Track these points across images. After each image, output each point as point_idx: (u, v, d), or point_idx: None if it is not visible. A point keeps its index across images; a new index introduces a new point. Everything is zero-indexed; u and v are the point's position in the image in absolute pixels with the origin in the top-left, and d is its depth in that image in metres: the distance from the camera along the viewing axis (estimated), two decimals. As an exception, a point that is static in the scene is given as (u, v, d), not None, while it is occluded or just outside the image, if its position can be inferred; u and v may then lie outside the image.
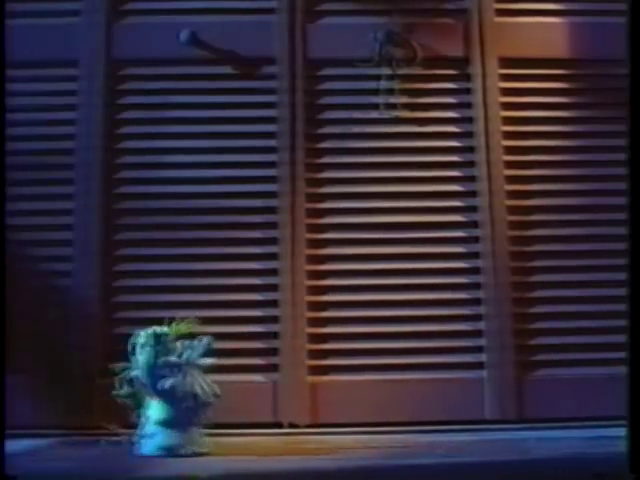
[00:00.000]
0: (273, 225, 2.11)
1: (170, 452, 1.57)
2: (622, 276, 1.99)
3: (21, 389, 1.81)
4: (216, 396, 1.62)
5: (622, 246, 1.99)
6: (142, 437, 1.60)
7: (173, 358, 1.60)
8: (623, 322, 1.94)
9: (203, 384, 1.61)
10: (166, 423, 1.59)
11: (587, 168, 2.18)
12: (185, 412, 1.60)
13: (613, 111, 2.18)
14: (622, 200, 2.01)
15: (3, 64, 2.04)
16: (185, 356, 1.61)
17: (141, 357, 1.60)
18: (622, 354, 1.93)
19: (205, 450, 1.59)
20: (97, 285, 2.06)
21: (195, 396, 1.58)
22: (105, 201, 2.10)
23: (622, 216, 2.02)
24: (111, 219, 2.10)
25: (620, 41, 2.10)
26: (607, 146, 2.16)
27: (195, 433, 1.61)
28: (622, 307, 1.97)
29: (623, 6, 2.15)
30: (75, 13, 2.19)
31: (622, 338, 1.94)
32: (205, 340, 1.62)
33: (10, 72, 2.07)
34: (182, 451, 1.57)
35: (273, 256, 2.10)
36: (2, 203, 1.81)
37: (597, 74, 2.22)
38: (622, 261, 2.00)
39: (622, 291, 1.98)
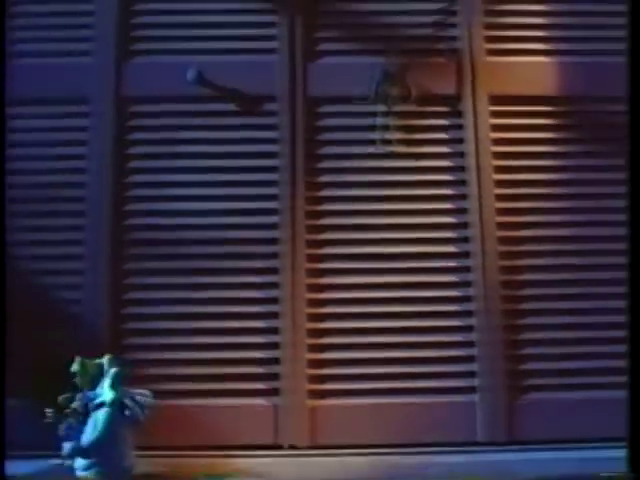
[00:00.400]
0: (274, 255, 2.20)
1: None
2: (612, 304, 2.11)
3: (25, 411, 1.90)
4: (146, 409, 1.76)
5: (612, 275, 2.13)
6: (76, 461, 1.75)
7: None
8: (613, 348, 2.07)
9: (130, 402, 1.74)
10: (96, 448, 1.72)
11: (576, 200, 2.27)
12: (115, 435, 1.74)
13: (599, 146, 2.31)
14: (611, 230, 2.15)
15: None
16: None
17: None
18: (612, 378, 2.05)
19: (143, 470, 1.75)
20: (106, 312, 2.15)
21: (124, 416, 1.74)
22: (114, 232, 2.19)
23: (612, 246, 2.16)
24: (120, 249, 2.19)
25: (605, 79, 2.25)
26: (594, 179, 2.27)
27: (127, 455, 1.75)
28: (612, 333, 2.09)
29: (607, 46, 2.30)
30: (86, 53, 2.29)
31: (612, 363, 2.07)
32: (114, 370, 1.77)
33: (23, 109, 2.23)
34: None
35: (274, 285, 2.18)
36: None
37: (583, 110, 2.32)
38: (611, 289, 2.13)
39: (612, 318, 2.10)
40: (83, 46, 2.30)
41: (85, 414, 1.75)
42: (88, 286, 2.17)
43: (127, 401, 1.74)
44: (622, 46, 2.15)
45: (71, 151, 2.25)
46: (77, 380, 1.80)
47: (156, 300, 2.18)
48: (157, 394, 1.85)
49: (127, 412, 1.74)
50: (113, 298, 2.16)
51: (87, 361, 1.81)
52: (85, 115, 2.26)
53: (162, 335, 2.14)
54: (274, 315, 2.17)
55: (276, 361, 2.14)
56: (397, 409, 2.11)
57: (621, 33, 2.21)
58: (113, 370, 1.78)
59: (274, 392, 2.13)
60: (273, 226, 2.22)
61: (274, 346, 2.15)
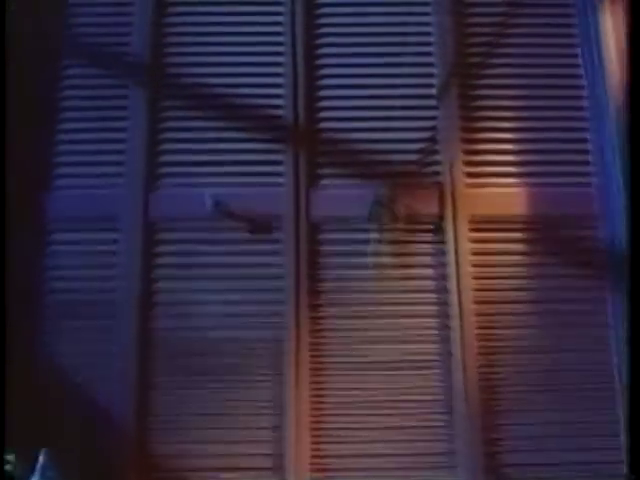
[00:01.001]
0: (280, 354, 2.52)
1: None
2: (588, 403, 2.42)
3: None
4: None
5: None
6: None
7: None
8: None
9: None
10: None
11: (551, 316, 2.55)
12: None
13: (563, 257, 2.63)
14: (583, 343, 2.46)
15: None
16: None
17: None
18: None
19: None
20: (133, 414, 2.45)
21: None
22: (141, 343, 2.51)
23: (586, 354, 2.46)
24: (146, 360, 2.51)
25: (567, 201, 2.58)
26: (563, 287, 2.57)
27: None
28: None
29: (574, 170, 2.64)
30: (119, 184, 2.63)
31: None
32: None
33: (66, 227, 2.57)
34: None
35: (280, 386, 2.49)
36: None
37: (554, 230, 2.62)
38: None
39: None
40: (117, 179, 2.64)
41: None
42: (118, 388, 2.46)
43: None
44: (584, 175, 2.54)
45: (104, 262, 2.56)
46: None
47: (178, 395, 2.48)
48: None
49: None
50: (140, 403, 2.47)
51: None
52: (116, 236, 2.58)
53: (183, 430, 2.47)
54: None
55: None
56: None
57: (586, 158, 2.59)
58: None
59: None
60: (280, 342, 2.52)
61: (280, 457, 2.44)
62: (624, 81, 2.65)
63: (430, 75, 2.74)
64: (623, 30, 2.70)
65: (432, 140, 2.69)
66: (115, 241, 2.59)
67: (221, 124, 2.71)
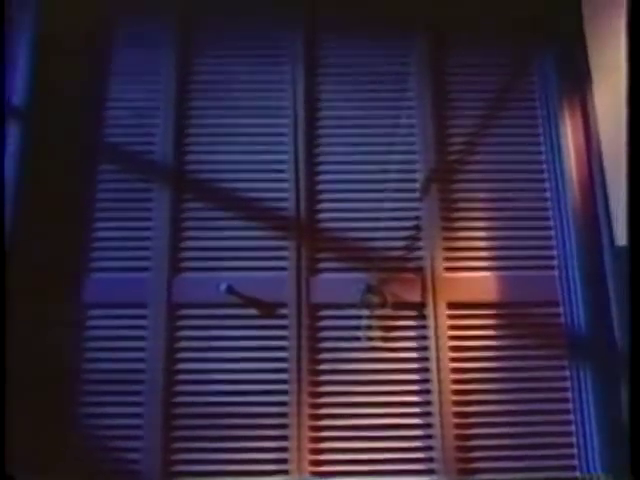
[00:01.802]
0: (284, 427, 2.90)
1: None
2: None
3: None
4: None
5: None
6: None
7: None
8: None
9: None
10: None
11: (517, 384, 2.90)
12: None
13: (530, 339, 3.02)
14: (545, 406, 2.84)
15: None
16: None
17: None
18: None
19: None
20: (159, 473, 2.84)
21: None
22: (166, 409, 2.88)
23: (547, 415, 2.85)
24: (170, 422, 2.89)
25: (534, 288, 2.98)
26: (529, 367, 2.93)
27: None
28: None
29: (537, 263, 3.05)
30: (146, 269, 3.02)
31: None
32: None
33: (97, 311, 2.99)
34: None
35: (284, 449, 2.87)
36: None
37: (522, 314, 2.97)
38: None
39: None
40: (144, 263, 3.04)
41: None
42: (145, 449, 2.87)
43: None
44: (547, 269, 2.94)
45: (133, 345, 2.94)
46: None
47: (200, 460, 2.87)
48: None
49: None
50: (165, 464, 2.85)
51: None
52: (144, 316, 2.96)
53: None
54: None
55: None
56: None
57: (548, 253, 3.00)
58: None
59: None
60: (283, 413, 2.89)
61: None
62: (581, 181, 3.08)
63: (414, 180, 3.15)
64: (581, 138, 3.13)
65: (416, 231, 3.08)
66: (143, 323, 2.98)
67: (234, 218, 3.11)
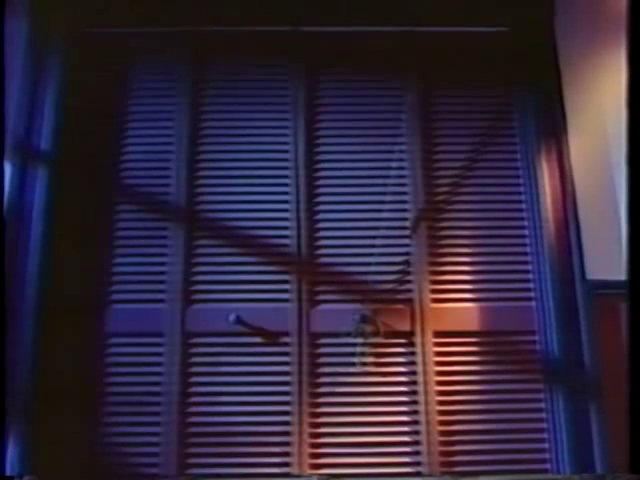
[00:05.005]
0: (287, 444, 3.24)
1: None
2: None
3: None
4: None
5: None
6: None
7: None
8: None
9: None
10: None
11: (497, 405, 3.20)
12: None
13: (516, 366, 3.30)
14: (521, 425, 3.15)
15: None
16: None
17: None
18: None
19: None
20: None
21: None
22: (181, 428, 3.19)
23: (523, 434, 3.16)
24: (185, 439, 3.20)
25: (514, 318, 3.29)
26: (515, 398, 3.23)
27: None
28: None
29: (515, 295, 3.36)
30: (161, 300, 3.36)
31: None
32: None
33: (118, 339, 3.31)
34: None
35: (286, 465, 3.19)
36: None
37: (502, 342, 3.26)
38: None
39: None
40: (160, 296, 3.35)
41: None
42: (163, 464, 3.19)
43: None
44: (526, 294, 3.25)
45: (150, 370, 3.26)
46: None
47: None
48: None
49: None
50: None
51: None
52: (160, 344, 3.27)
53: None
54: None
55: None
56: None
57: (526, 285, 3.32)
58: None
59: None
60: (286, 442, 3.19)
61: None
62: (556, 220, 3.38)
63: (405, 219, 3.45)
64: (557, 179, 3.44)
65: (406, 265, 3.40)
66: (160, 350, 3.28)
67: (241, 254, 3.42)
